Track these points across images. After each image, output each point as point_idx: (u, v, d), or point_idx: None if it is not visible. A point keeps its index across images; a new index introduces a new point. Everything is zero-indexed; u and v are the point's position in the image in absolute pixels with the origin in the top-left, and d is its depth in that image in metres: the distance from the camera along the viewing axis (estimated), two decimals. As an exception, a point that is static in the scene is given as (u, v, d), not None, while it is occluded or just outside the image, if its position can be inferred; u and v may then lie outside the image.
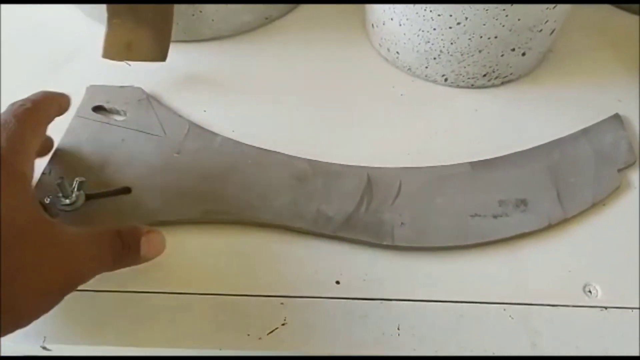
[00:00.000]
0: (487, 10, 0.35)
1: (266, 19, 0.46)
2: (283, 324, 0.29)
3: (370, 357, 0.29)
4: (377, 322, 0.30)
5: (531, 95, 0.42)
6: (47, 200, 0.32)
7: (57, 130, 0.37)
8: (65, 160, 0.35)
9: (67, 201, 0.32)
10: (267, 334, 0.29)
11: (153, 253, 0.29)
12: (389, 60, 0.44)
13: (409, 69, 0.42)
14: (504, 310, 0.30)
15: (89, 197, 0.33)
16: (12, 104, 0.29)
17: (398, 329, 0.29)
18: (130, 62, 0.40)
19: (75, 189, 0.33)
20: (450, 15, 0.36)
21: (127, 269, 0.29)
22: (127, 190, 0.34)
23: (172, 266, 0.32)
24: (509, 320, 0.30)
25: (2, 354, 0.29)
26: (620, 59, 0.45)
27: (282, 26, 0.47)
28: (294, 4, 0.48)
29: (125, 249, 0.28)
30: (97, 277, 0.28)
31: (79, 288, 0.29)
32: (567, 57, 0.45)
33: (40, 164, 0.35)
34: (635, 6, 0.48)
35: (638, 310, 0.30)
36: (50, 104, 0.31)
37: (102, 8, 0.37)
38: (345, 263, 0.32)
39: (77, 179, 0.33)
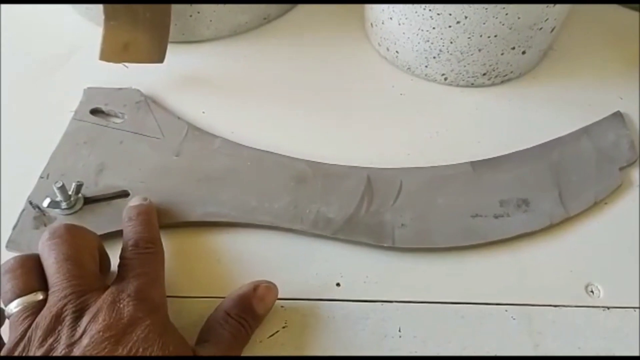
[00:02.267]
0: (486, 8, 0.35)
1: (264, 19, 0.46)
2: (284, 327, 0.29)
3: (371, 357, 0.29)
4: (378, 324, 0.29)
5: (532, 94, 0.41)
6: (45, 204, 0.32)
7: (55, 133, 0.37)
8: (63, 164, 0.35)
9: (66, 205, 0.32)
10: (268, 337, 0.29)
11: (269, 305, 0.29)
12: (388, 59, 0.43)
13: (409, 68, 0.42)
14: (506, 311, 0.30)
15: (87, 201, 0.33)
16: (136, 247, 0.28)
17: (399, 330, 0.29)
18: (127, 64, 0.40)
19: (74, 193, 0.32)
20: (450, 14, 0.36)
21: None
22: (125, 194, 0.34)
23: (171, 270, 0.31)
24: (511, 321, 0.30)
25: None
26: (621, 56, 0.45)
27: (280, 26, 0.46)
28: (292, 4, 0.48)
29: (244, 327, 0.27)
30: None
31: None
32: (568, 54, 0.44)
33: (39, 167, 0.35)
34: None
35: (641, 310, 0.30)
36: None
37: (99, 10, 0.37)
38: (346, 265, 0.32)
39: (74, 182, 0.33)
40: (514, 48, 0.39)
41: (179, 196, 0.34)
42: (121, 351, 0.23)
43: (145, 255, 0.28)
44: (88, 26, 0.45)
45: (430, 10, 0.36)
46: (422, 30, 0.38)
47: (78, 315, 0.24)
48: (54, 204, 0.32)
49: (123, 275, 0.27)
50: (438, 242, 0.32)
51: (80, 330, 0.23)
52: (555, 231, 0.33)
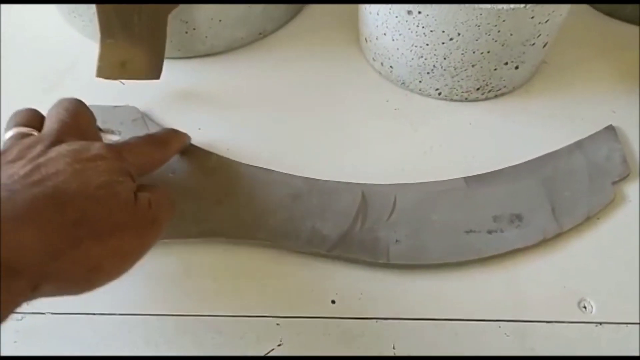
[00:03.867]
0: (479, 26, 0.35)
1: (260, 34, 0.46)
2: (279, 345, 0.30)
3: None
4: (373, 341, 0.30)
5: (525, 108, 0.42)
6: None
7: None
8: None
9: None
10: (264, 355, 0.29)
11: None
12: (382, 74, 0.44)
13: (403, 83, 0.42)
14: (499, 327, 0.30)
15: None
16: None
17: (394, 348, 0.30)
18: (124, 81, 0.40)
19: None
20: (443, 31, 0.36)
21: (125, 294, 0.30)
22: (122, 211, 0.34)
23: (166, 288, 0.32)
24: (505, 338, 0.30)
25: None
26: (614, 69, 0.45)
27: (275, 41, 0.47)
28: (294, 10, 0.48)
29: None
30: (94, 298, 0.28)
31: (74, 312, 0.29)
32: (560, 68, 0.45)
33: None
34: (629, 14, 0.48)
35: (633, 325, 0.30)
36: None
37: (96, 27, 0.37)
38: (341, 282, 0.32)
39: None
40: (506, 63, 0.39)
41: (176, 213, 0.34)
42: (76, 167, 0.25)
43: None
44: (85, 43, 0.46)
45: (423, 27, 0.37)
46: (416, 46, 0.38)
47: (57, 143, 0.26)
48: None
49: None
50: (432, 258, 0.32)
51: (53, 148, 0.26)
52: (548, 246, 0.33)
